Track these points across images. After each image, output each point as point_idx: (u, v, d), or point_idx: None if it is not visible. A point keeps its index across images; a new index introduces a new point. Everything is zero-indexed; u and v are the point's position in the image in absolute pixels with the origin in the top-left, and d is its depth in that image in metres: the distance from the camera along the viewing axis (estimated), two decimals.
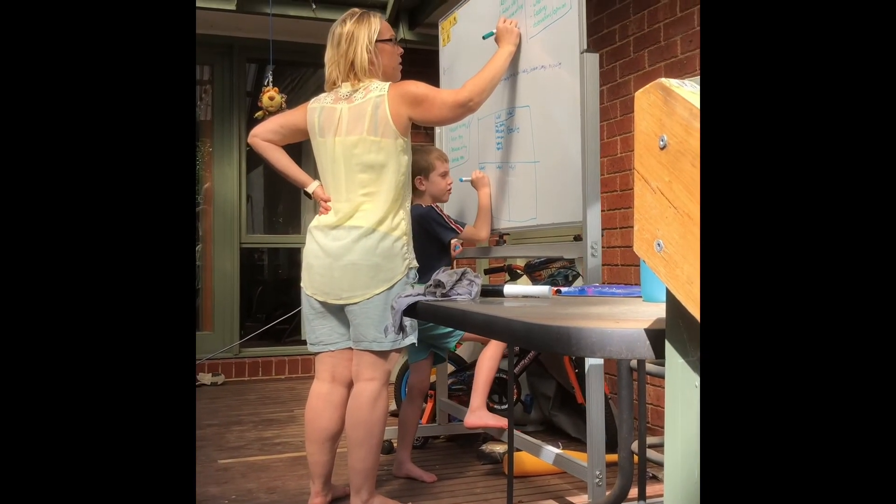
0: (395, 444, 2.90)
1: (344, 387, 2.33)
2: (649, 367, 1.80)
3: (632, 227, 3.49)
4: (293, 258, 6.48)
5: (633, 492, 1.91)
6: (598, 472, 2.10)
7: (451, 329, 2.68)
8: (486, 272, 3.64)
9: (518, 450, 2.64)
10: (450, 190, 2.79)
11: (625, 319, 1.01)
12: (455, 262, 3.09)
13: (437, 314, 1.65)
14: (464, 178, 2.89)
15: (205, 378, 4.84)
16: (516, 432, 2.62)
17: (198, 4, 4.35)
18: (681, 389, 0.81)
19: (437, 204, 2.77)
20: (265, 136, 2.38)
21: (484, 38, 2.65)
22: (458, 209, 3.01)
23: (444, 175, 2.75)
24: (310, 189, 2.36)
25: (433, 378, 3.18)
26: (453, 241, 2.90)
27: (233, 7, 4.40)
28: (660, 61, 3.27)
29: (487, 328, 1.29)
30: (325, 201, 2.30)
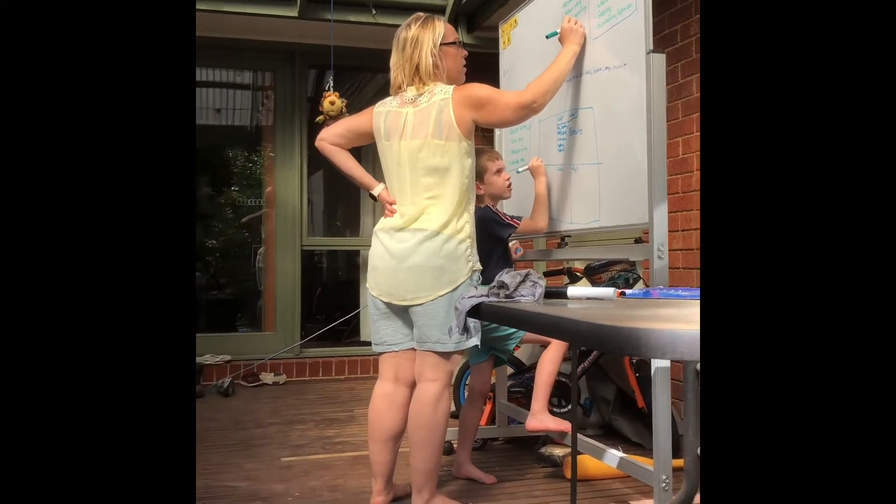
0: (454, 445, 2.91)
1: (407, 387, 2.36)
2: None
3: (694, 229, 3.40)
4: (352, 260, 6.56)
5: (698, 497, 1.88)
6: (664, 477, 2.08)
7: (511, 331, 2.68)
8: (545, 275, 3.62)
9: (580, 453, 2.62)
10: (510, 185, 2.78)
11: (694, 322, 1.00)
12: (514, 265, 3.09)
13: (501, 315, 1.66)
14: (520, 170, 2.88)
15: (267, 377, 4.94)
16: (578, 436, 2.60)
17: (261, 12, 4.47)
18: None
19: (497, 202, 2.77)
20: (332, 139, 2.43)
21: (547, 37, 2.64)
22: (517, 204, 3.00)
23: (499, 172, 2.74)
24: (375, 192, 2.40)
25: (492, 380, 3.19)
26: (513, 245, 2.89)
27: (295, 14, 4.49)
28: None
29: (554, 329, 1.30)
30: (391, 204, 2.33)
